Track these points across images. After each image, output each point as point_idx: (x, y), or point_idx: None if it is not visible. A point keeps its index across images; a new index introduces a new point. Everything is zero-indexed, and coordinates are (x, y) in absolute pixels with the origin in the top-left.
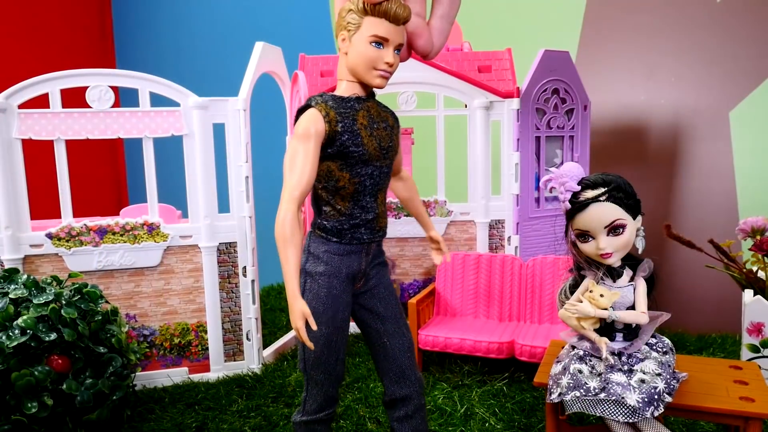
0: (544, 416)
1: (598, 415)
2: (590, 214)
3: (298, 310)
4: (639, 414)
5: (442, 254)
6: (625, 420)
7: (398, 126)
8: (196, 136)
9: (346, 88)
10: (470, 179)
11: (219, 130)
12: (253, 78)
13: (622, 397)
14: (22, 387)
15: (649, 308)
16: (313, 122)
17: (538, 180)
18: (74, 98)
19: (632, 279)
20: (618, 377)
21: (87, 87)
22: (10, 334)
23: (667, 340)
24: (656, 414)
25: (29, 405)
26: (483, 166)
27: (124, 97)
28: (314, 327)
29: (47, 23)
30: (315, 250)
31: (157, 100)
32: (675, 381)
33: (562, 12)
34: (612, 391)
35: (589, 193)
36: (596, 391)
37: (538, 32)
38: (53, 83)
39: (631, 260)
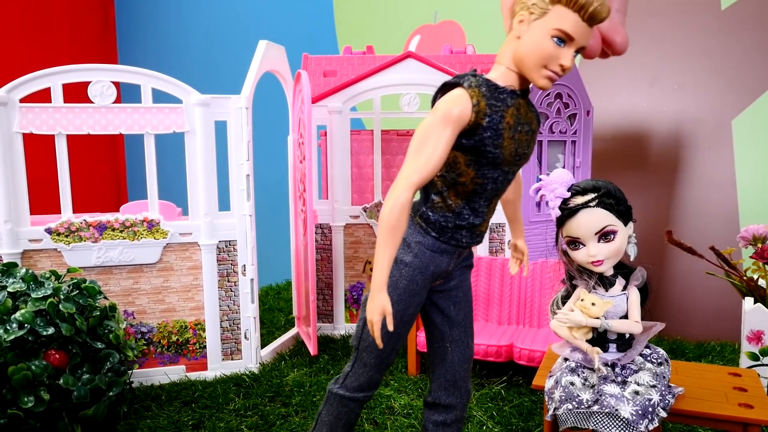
0: (542, 421)
1: (591, 428)
2: (580, 220)
3: (380, 304)
4: (633, 427)
5: (521, 265)
6: None
7: (538, 130)
8: (197, 134)
9: (503, 76)
10: None
11: (221, 128)
12: (256, 76)
13: (616, 410)
14: (19, 381)
15: (643, 318)
16: (460, 106)
17: None
18: (75, 93)
19: (625, 288)
20: (611, 389)
21: (88, 82)
22: (8, 327)
23: (662, 351)
24: (650, 428)
25: (26, 399)
26: None
27: (125, 93)
28: (390, 327)
29: (49, 18)
30: (408, 237)
31: (159, 97)
32: (670, 396)
33: None
34: (605, 403)
35: (579, 199)
36: (589, 403)
37: None
38: (55, 78)
39: (624, 269)
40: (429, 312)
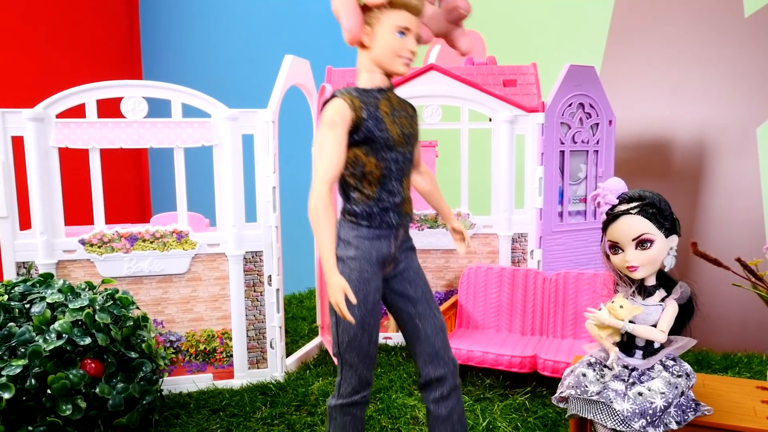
0: None
1: (590, 418)
2: (620, 225)
3: (337, 284)
4: (627, 423)
5: (465, 244)
6: (613, 426)
7: (416, 115)
8: (225, 147)
9: (368, 80)
10: (494, 192)
11: (247, 141)
12: (282, 90)
13: (612, 401)
14: (58, 390)
15: (682, 335)
16: (339, 110)
17: (561, 194)
18: (101, 108)
19: (664, 300)
20: (616, 385)
21: (116, 98)
22: (47, 337)
23: (686, 366)
24: (650, 430)
25: (64, 407)
26: (507, 180)
27: (151, 108)
28: (353, 300)
29: (76, 34)
30: (345, 236)
31: (186, 111)
32: (691, 411)
33: (587, 26)
34: (605, 394)
35: (623, 206)
36: (592, 394)
37: (563, 47)
38: (90, 94)
39: (668, 282)
40: (391, 299)
